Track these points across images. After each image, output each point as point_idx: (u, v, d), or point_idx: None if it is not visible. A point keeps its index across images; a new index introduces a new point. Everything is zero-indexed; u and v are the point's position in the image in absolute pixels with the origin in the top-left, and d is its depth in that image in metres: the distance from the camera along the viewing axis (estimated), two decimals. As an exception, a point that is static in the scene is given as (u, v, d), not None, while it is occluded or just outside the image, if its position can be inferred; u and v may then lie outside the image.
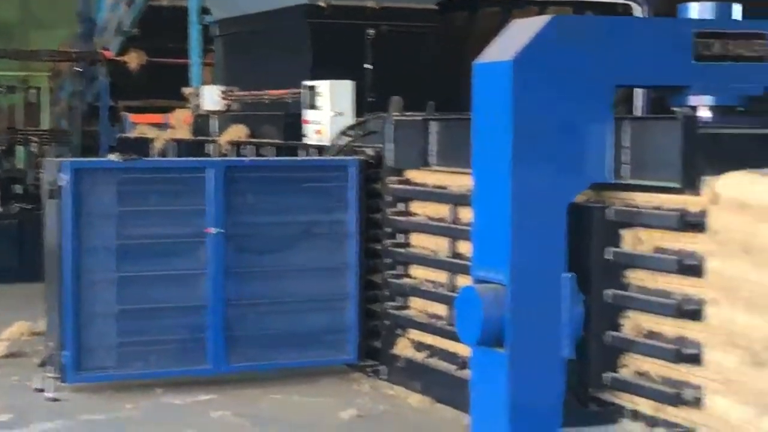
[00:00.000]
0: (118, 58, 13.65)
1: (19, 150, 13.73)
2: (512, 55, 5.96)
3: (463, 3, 9.29)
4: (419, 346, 7.79)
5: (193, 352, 7.75)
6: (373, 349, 8.09)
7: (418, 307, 7.85)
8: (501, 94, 6.03)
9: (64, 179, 7.42)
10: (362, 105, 8.94)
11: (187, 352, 7.75)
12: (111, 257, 7.57)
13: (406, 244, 7.99)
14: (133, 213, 7.64)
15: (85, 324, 7.48)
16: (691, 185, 5.83)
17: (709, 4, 6.60)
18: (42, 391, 7.49)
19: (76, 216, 7.43)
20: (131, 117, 12.65)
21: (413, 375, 7.68)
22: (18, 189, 12.45)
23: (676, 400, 5.91)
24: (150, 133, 11.74)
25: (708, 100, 6.48)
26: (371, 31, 9.36)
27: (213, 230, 7.61)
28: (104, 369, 7.60)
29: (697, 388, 5.83)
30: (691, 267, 5.85)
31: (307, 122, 8.97)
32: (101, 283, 7.54)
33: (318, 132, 8.82)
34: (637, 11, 9.43)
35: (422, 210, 7.77)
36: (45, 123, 14.51)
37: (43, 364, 7.65)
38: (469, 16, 9.74)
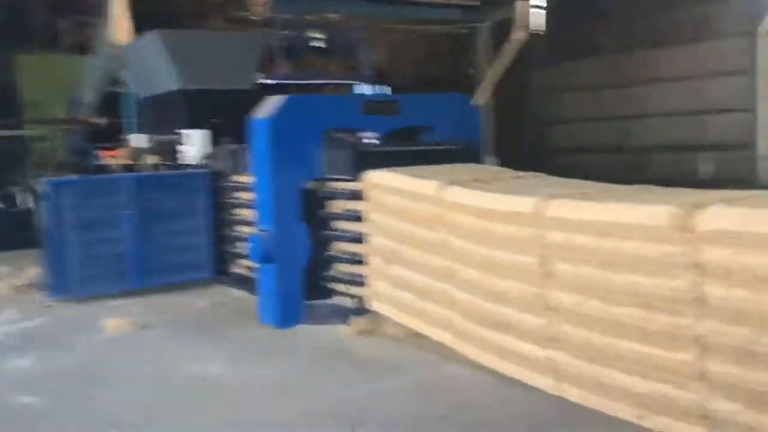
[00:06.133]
0: (93, 121, 13.84)
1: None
2: (268, 114, 6.65)
3: (265, 87, 9.74)
4: (242, 266, 8.12)
5: (121, 278, 8.01)
6: (220, 270, 8.42)
7: (240, 246, 8.10)
8: (264, 135, 6.66)
9: (47, 189, 7.81)
10: (214, 142, 9.33)
11: (118, 278, 7.99)
12: (75, 229, 7.78)
13: (236, 214, 8.25)
14: (86, 204, 7.85)
15: (62, 265, 7.78)
16: (357, 177, 6.45)
17: (371, 86, 7.25)
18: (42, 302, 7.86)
19: (54, 208, 7.77)
20: (101, 153, 12.84)
21: (239, 282, 8.08)
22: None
23: (356, 283, 6.64)
24: (110, 161, 12.00)
25: (371, 134, 7.09)
26: (217, 103, 9.73)
27: (129, 212, 8.00)
28: (73, 290, 7.84)
29: (365, 276, 6.54)
30: (360, 217, 6.52)
31: (184, 152, 9.41)
32: (70, 244, 7.78)
33: (190, 157, 9.25)
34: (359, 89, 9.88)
35: (241, 195, 8.10)
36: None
37: (41, 288, 8.02)
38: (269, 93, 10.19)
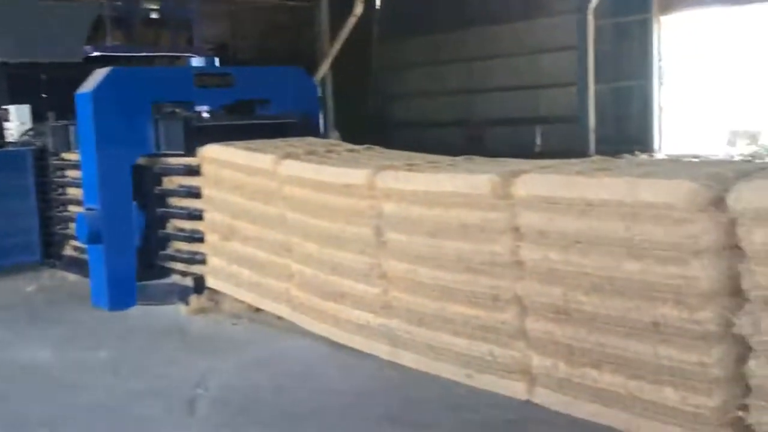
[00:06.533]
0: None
1: None
2: (91, 88, 6.39)
3: (95, 58, 9.35)
4: (74, 249, 7.83)
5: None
6: (51, 253, 8.18)
7: (71, 228, 8.01)
8: (88, 109, 6.40)
9: None
10: (39, 117, 8.87)
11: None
12: None
13: (64, 194, 7.97)
14: None
15: None
16: (191, 152, 6.36)
17: (203, 58, 7.13)
18: None
19: None
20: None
21: (71, 265, 7.75)
22: None
23: (193, 261, 6.57)
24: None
25: (205, 107, 6.96)
26: (44, 76, 9.28)
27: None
28: None
29: (203, 254, 6.47)
30: (196, 193, 6.44)
31: (5, 129, 8.91)
32: None
33: (11, 134, 8.78)
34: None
35: (71, 174, 7.81)
36: None
37: None
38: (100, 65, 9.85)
